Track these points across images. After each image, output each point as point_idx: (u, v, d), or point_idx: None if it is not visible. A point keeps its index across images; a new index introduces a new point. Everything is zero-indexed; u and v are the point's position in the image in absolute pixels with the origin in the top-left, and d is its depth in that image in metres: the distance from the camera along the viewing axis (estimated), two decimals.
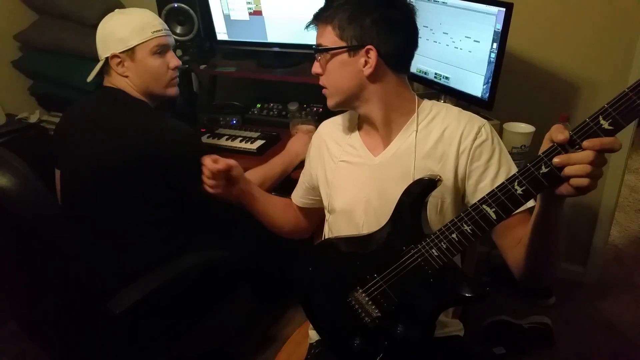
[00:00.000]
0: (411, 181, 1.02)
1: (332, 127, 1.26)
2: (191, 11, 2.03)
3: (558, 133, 0.74)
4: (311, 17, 1.12)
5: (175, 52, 1.60)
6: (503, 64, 1.50)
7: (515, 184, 0.81)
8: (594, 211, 2.14)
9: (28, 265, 1.25)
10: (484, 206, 0.86)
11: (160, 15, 2.03)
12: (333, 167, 1.20)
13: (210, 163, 1.19)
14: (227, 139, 1.89)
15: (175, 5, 2.03)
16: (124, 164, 1.38)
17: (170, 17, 2.05)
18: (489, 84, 1.54)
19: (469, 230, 0.89)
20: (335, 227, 1.22)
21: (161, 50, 1.49)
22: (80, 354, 1.40)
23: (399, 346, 1.01)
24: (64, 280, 1.26)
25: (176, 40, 2.05)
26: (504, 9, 1.43)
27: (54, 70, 2.40)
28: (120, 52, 1.45)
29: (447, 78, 1.70)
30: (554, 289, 2.18)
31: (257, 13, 2.02)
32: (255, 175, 1.53)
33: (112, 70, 1.48)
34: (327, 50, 1.08)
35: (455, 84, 1.68)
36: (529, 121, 1.69)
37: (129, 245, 1.45)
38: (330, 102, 1.14)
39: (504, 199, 0.83)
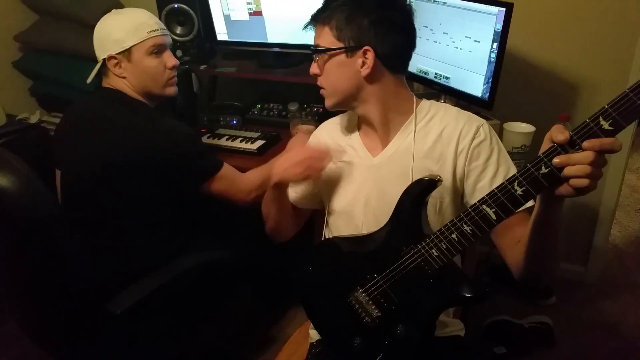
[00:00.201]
0: (410, 181, 1.02)
1: (331, 128, 1.26)
2: (191, 12, 2.03)
3: (558, 133, 0.74)
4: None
5: (175, 52, 1.59)
6: (503, 64, 1.50)
7: (515, 184, 0.81)
8: (594, 211, 2.14)
9: (29, 265, 1.25)
10: (484, 206, 0.86)
11: (160, 16, 2.04)
12: (333, 167, 1.20)
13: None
14: (227, 139, 1.89)
15: (176, 5, 2.03)
16: (124, 165, 1.39)
17: (171, 18, 2.05)
18: (489, 84, 1.54)
19: (469, 231, 0.89)
20: (334, 228, 1.22)
21: (158, 50, 1.48)
22: (80, 354, 1.40)
23: (399, 346, 1.01)
24: (64, 281, 1.25)
25: (176, 41, 2.05)
26: (504, 9, 1.43)
27: (55, 70, 2.40)
28: (116, 54, 1.44)
29: (447, 78, 1.70)
30: (554, 289, 2.18)
31: (257, 13, 2.02)
32: (256, 175, 1.53)
33: (110, 71, 1.48)
34: (325, 50, 1.08)
35: (455, 84, 1.68)
36: (529, 121, 1.69)
37: (129, 245, 1.45)
38: (328, 103, 1.14)
39: (503, 199, 0.83)
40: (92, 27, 1.49)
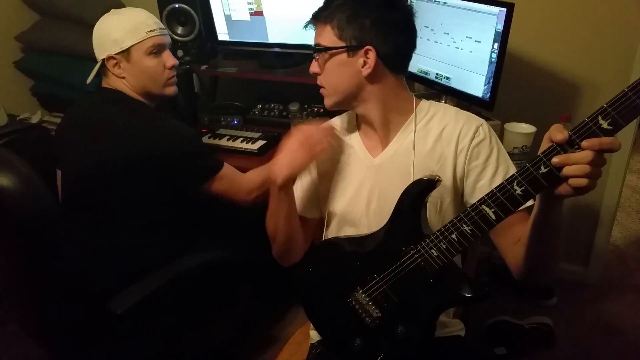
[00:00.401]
0: (410, 181, 1.02)
1: None
2: (192, 12, 2.03)
3: (557, 133, 0.74)
4: None
5: (175, 53, 1.59)
6: (504, 64, 1.50)
7: (515, 184, 0.81)
8: (595, 211, 2.14)
9: (30, 265, 1.26)
10: (483, 206, 0.86)
11: (161, 16, 2.04)
12: (332, 168, 1.20)
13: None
14: (228, 140, 1.89)
15: (177, 5, 2.03)
16: (124, 165, 1.39)
17: (172, 18, 2.05)
18: (490, 84, 1.54)
19: (469, 231, 0.89)
20: (335, 228, 1.22)
21: (157, 50, 1.48)
22: (81, 354, 1.40)
23: (399, 346, 1.01)
24: (65, 281, 1.26)
25: (177, 41, 2.05)
26: (505, 9, 1.43)
27: (56, 70, 2.40)
28: (115, 54, 1.44)
29: (448, 78, 1.70)
30: (555, 290, 2.18)
31: (258, 13, 2.02)
32: (256, 175, 1.53)
33: (109, 71, 1.48)
34: (326, 49, 1.07)
35: (456, 84, 1.68)
36: (530, 121, 1.69)
37: (129, 245, 1.45)
38: (328, 102, 1.13)
39: (503, 199, 0.83)
40: (93, 27, 1.49)
